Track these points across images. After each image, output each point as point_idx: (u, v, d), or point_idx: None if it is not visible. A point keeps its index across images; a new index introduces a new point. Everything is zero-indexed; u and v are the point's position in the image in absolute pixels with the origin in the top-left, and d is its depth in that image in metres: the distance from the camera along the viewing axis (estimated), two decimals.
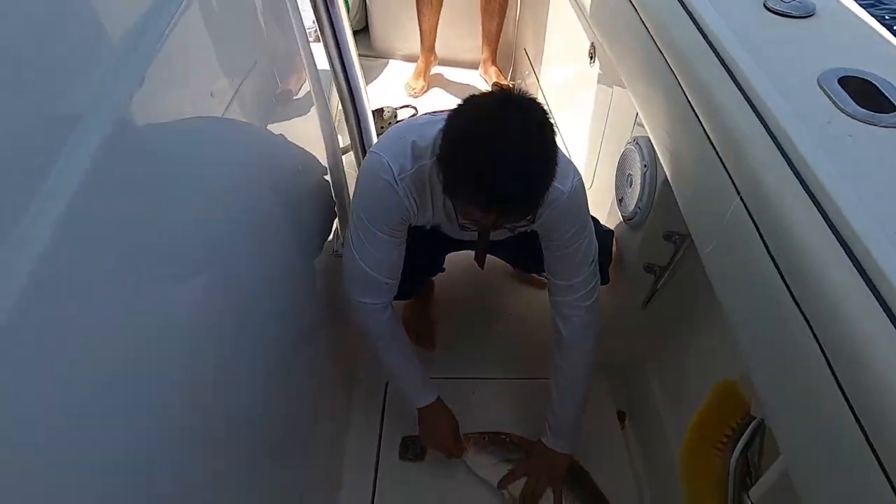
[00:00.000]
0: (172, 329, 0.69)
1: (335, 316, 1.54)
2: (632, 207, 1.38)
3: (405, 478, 1.51)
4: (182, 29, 0.76)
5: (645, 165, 1.32)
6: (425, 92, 2.80)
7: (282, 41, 1.32)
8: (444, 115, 1.15)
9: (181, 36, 0.76)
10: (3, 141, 0.45)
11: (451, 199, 1.05)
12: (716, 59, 0.98)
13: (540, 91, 2.47)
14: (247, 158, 1.02)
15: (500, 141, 0.93)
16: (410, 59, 2.91)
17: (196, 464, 0.73)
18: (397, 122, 2.54)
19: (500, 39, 2.75)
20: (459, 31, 2.79)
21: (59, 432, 0.48)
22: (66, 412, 0.49)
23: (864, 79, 0.92)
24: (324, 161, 1.52)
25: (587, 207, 1.26)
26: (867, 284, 0.65)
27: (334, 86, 1.48)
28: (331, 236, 1.58)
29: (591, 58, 1.78)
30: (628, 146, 1.41)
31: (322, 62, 1.43)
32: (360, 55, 1.46)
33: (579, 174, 1.22)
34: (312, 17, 1.36)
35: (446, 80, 2.88)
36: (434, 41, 2.74)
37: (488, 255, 1.56)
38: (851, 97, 0.88)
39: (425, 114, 1.31)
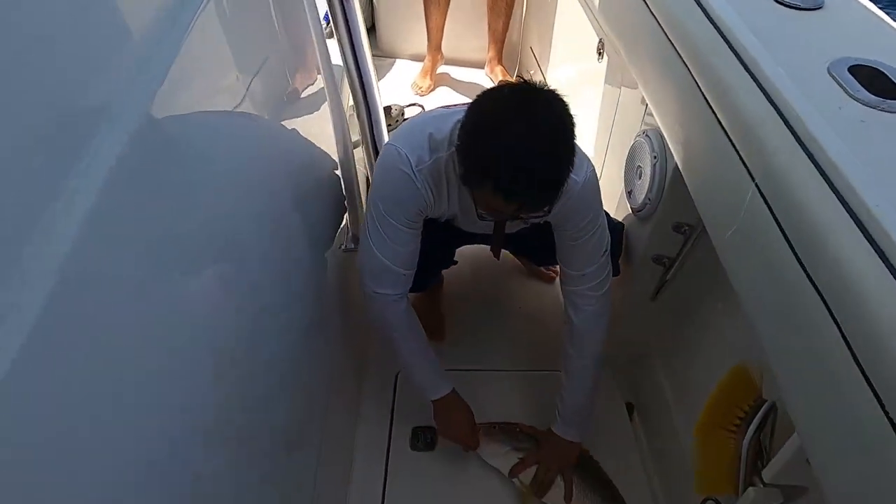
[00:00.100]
0: (190, 321, 0.70)
1: (345, 309, 1.56)
2: (641, 199, 1.40)
3: (416, 467, 1.53)
4: (202, 27, 0.77)
5: (655, 157, 1.34)
6: (432, 91, 2.82)
7: (297, 37, 1.34)
8: (460, 108, 1.17)
9: (202, 34, 0.77)
10: (30, 138, 0.47)
11: (473, 190, 1.05)
12: (728, 49, 1.00)
13: None
14: (262, 153, 1.04)
15: (525, 131, 0.94)
16: (417, 58, 2.94)
17: (212, 455, 0.75)
18: (404, 119, 2.56)
19: (506, 39, 2.77)
20: (466, 31, 2.81)
21: (86, 422, 0.49)
22: (92, 403, 0.50)
23: (873, 67, 0.94)
24: (334, 156, 1.53)
25: (600, 198, 1.28)
26: (885, 263, 0.66)
27: (346, 81, 1.50)
28: (340, 231, 1.60)
29: (599, 54, 1.80)
30: (638, 139, 1.43)
31: (334, 57, 1.45)
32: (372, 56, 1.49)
33: (592, 165, 1.24)
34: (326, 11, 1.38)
35: (452, 78, 2.91)
36: (441, 40, 2.76)
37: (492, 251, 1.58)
38: (862, 84, 0.90)
39: (439, 107, 1.33)
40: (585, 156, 1.23)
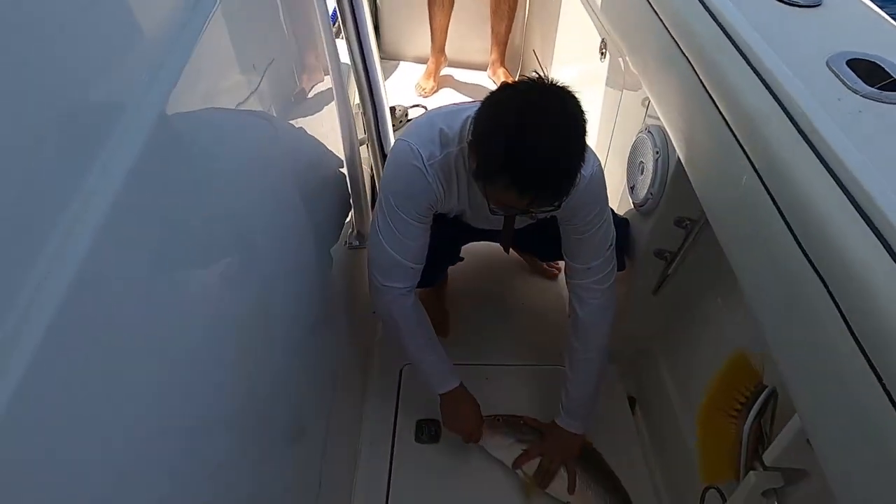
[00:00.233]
0: (200, 315, 0.71)
1: (351, 304, 1.58)
2: (643, 194, 1.42)
3: (421, 459, 1.55)
4: (214, 29, 0.79)
5: (657, 152, 1.36)
6: (435, 92, 2.85)
7: (306, 36, 1.37)
8: (469, 105, 1.20)
9: (214, 35, 0.79)
10: (49, 138, 0.48)
11: (487, 184, 1.07)
12: (731, 45, 1.02)
13: None
14: (271, 152, 1.06)
15: (541, 128, 0.96)
16: (420, 60, 2.97)
17: (223, 444, 0.76)
18: (408, 120, 2.59)
19: (509, 41, 2.80)
20: (469, 33, 2.84)
21: (105, 413, 0.50)
22: (107, 394, 0.51)
23: (871, 61, 0.96)
24: (340, 154, 1.56)
25: (606, 192, 1.30)
26: (886, 249, 0.68)
27: (353, 80, 1.52)
28: (345, 228, 1.62)
29: (601, 54, 1.83)
30: (640, 135, 1.46)
31: (341, 56, 1.48)
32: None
33: (598, 160, 1.26)
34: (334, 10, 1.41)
35: (455, 80, 2.94)
36: (444, 42, 2.79)
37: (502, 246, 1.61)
38: (860, 77, 0.92)
39: (449, 104, 1.35)
40: (592, 151, 1.25)
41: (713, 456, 1.09)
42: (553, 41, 2.43)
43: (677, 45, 1.15)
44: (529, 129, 0.97)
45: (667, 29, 1.20)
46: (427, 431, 1.58)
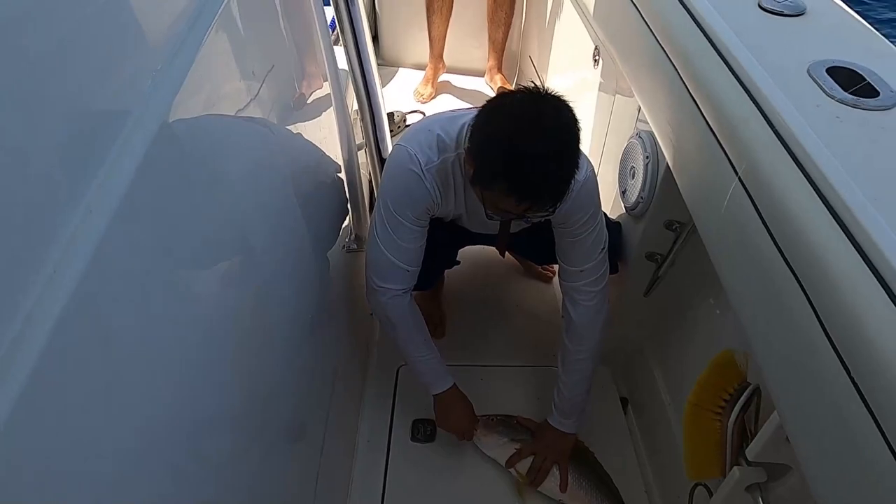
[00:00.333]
0: (201, 316, 0.73)
1: (349, 306, 1.61)
2: (634, 198, 1.45)
3: (416, 458, 1.57)
4: (217, 37, 0.82)
5: (647, 157, 1.39)
6: (433, 98, 2.88)
7: (305, 44, 1.40)
8: (466, 112, 1.23)
9: (216, 44, 0.82)
10: (57, 143, 0.50)
11: (484, 191, 1.10)
12: (714, 53, 1.06)
13: None
14: (271, 157, 1.08)
15: (537, 137, 1.00)
16: (418, 66, 3.01)
17: (224, 441, 0.79)
18: (406, 125, 2.63)
19: (506, 47, 2.84)
20: (466, 40, 2.89)
21: (109, 411, 0.52)
22: (115, 393, 0.53)
23: (850, 68, 0.99)
24: (338, 159, 1.59)
25: (598, 197, 1.33)
26: (858, 251, 0.71)
27: (351, 85, 1.55)
28: (343, 231, 1.65)
29: (594, 60, 1.87)
30: (631, 140, 1.49)
31: (339, 63, 1.51)
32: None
33: (591, 165, 1.30)
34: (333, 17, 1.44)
35: (453, 86, 2.98)
36: (442, 49, 2.83)
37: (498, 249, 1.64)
38: (839, 84, 0.96)
39: (446, 111, 1.38)
40: (585, 156, 1.28)
41: (699, 453, 1.11)
42: (549, 48, 2.47)
43: (665, 52, 1.19)
44: (526, 137, 1.00)
45: (655, 37, 1.23)
46: (423, 431, 1.61)
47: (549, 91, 1.05)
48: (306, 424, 1.24)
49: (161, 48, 0.70)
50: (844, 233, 0.73)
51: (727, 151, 0.96)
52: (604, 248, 1.38)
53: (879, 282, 0.68)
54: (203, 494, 0.73)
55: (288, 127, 1.23)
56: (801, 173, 0.82)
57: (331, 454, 1.43)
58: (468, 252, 1.73)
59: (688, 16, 1.16)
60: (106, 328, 0.53)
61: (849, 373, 0.68)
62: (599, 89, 1.82)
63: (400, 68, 3.10)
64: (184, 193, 0.71)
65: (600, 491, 1.48)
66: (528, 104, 1.03)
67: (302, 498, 1.17)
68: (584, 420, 1.51)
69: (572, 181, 1.06)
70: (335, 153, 1.55)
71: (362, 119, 1.59)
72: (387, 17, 2.97)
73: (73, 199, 0.51)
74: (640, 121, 1.50)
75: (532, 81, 1.11)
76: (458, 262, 1.77)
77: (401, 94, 2.91)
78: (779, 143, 0.86)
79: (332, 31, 1.53)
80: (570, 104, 1.05)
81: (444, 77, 2.97)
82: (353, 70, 1.50)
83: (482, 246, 1.67)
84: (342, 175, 1.61)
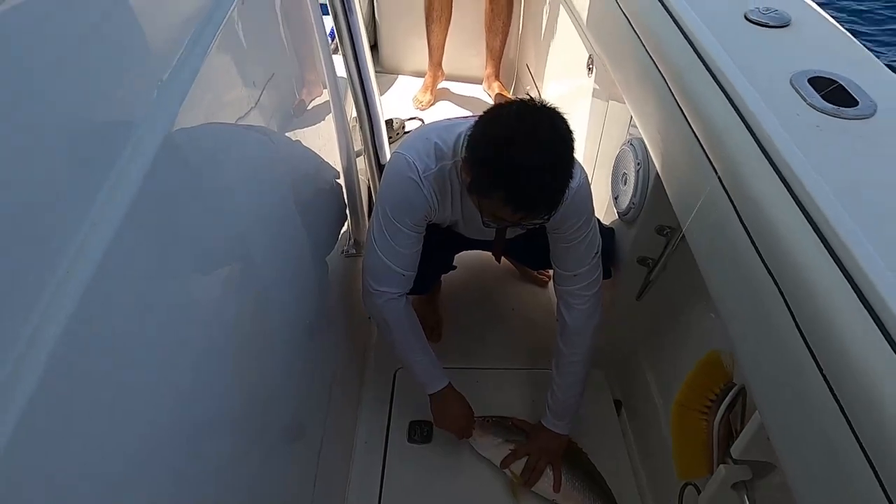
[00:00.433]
0: (204, 320, 0.75)
1: (348, 310, 1.64)
2: (626, 204, 1.48)
3: (413, 458, 1.60)
4: (221, 46, 0.84)
5: (638, 164, 1.43)
6: (432, 105, 2.92)
7: (305, 53, 1.43)
8: (462, 120, 1.27)
9: (220, 52, 0.84)
10: (67, 151, 0.52)
11: (481, 199, 1.13)
12: (700, 63, 1.09)
13: None
14: (272, 164, 1.11)
15: (533, 148, 1.03)
16: (418, 74, 3.05)
17: (224, 443, 0.81)
18: (405, 132, 2.66)
19: (503, 56, 2.88)
20: (465, 48, 2.92)
21: (113, 414, 0.54)
22: (120, 396, 0.55)
23: (831, 79, 1.02)
24: (338, 165, 1.62)
25: (592, 203, 1.36)
26: (830, 254, 0.74)
27: (350, 93, 1.59)
28: (342, 237, 1.68)
29: (588, 69, 1.90)
30: (623, 147, 1.52)
31: (338, 71, 1.55)
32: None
33: (585, 172, 1.33)
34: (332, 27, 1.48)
35: (452, 93, 3.02)
36: (441, 57, 2.87)
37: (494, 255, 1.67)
38: (819, 94, 0.98)
39: (443, 119, 1.41)
40: (579, 163, 1.31)
41: (687, 452, 1.14)
42: (545, 56, 2.51)
43: (653, 62, 1.22)
44: (522, 148, 1.03)
45: (644, 47, 1.27)
46: (419, 432, 1.64)
47: (543, 103, 1.08)
48: (305, 426, 1.26)
49: (166, 59, 0.72)
50: (818, 236, 0.76)
51: (710, 158, 1.00)
52: (597, 253, 1.41)
53: (851, 285, 0.71)
54: (203, 496, 0.74)
55: (288, 134, 1.25)
56: (778, 179, 0.85)
57: (329, 456, 1.45)
58: (465, 257, 1.76)
59: (675, 27, 1.19)
60: (111, 332, 0.55)
61: (821, 370, 0.71)
62: (593, 97, 1.86)
63: (399, 76, 3.14)
64: (187, 201, 0.73)
65: (593, 491, 1.51)
66: (524, 116, 1.07)
67: (300, 498, 1.20)
68: (574, 421, 1.53)
69: (567, 190, 1.09)
70: (334, 160, 1.58)
71: (361, 126, 1.62)
72: (386, 25, 3.01)
73: (81, 207, 0.53)
74: (632, 128, 1.53)
75: (527, 93, 1.15)
76: (455, 267, 1.80)
77: (400, 101, 2.95)
78: (758, 150, 0.90)
79: (332, 41, 1.56)
80: (565, 115, 1.09)
81: (442, 84, 3.01)
82: (351, 78, 1.53)
83: (479, 251, 1.70)
84: (341, 181, 1.65)
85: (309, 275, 1.33)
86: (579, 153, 1.93)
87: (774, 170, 0.86)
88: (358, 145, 1.68)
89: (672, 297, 1.52)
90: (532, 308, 2.01)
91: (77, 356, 0.49)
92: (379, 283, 1.37)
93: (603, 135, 1.78)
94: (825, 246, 0.75)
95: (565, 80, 2.29)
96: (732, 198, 0.93)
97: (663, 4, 1.24)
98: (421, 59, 2.95)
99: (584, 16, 1.75)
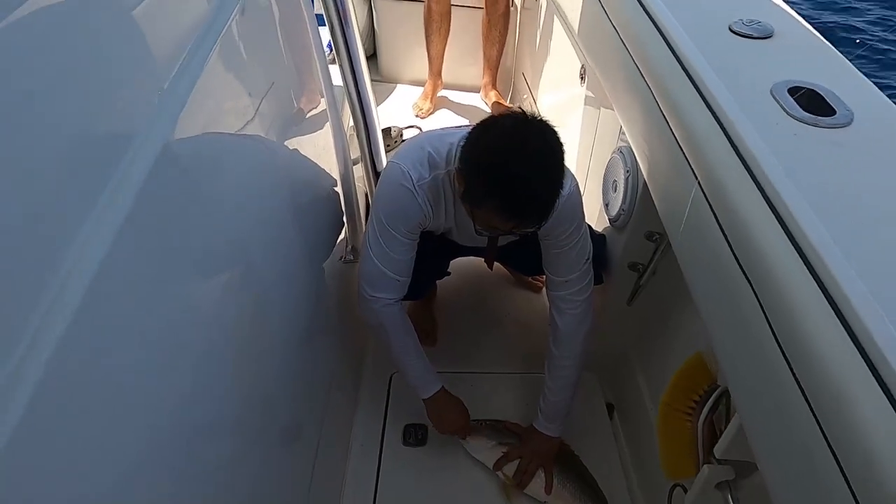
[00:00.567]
0: (200, 325, 0.77)
1: (344, 315, 1.66)
2: (616, 210, 1.51)
3: (407, 461, 1.62)
4: (220, 56, 0.87)
5: (627, 171, 1.46)
6: (432, 113, 2.96)
7: (302, 63, 1.46)
8: (455, 130, 1.30)
9: (220, 62, 0.87)
10: (68, 157, 0.53)
11: (474, 208, 1.16)
12: (684, 74, 1.12)
13: (538, 112, 2.63)
14: (270, 172, 1.13)
15: (525, 159, 1.07)
16: (416, 83, 3.10)
17: (220, 447, 0.82)
18: (403, 140, 2.70)
19: (500, 65, 2.92)
20: (463, 58, 2.97)
21: (114, 414, 0.55)
22: (119, 397, 0.56)
23: (810, 88, 1.05)
24: (335, 173, 1.65)
25: (582, 210, 1.40)
26: (800, 256, 0.77)
27: (347, 102, 1.62)
28: (339, 243, 1.71)
29: (581, 78, 1.94)
30: (613, 155, 1.55)
31: (335, 80, 1.58)
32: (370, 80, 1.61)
33: (575, 179, 1.36)
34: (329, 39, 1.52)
35: (450, 101, 3.06)
36: (441, 67, 2.91)
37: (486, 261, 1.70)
38: (798, 103, 1.01)
39: (436, 129, 1.44)
40: (569, 171, 1.34)
41: (674, 452, 1.17)
42: (540, 65, 2.55)
43: (640, 72, 1.26)
44: (514, 158, 1.07)
45: (632, 57, 1.30)
46: (414, 435, 1.66)
47: (534, 115, 1.12)
48: (301, 429, 1.28)
49: (167, 68, 0.75)
50: (790, 240, 0.79)
51: (692, 165, 1.03)
52: (588, 259, 1.44)
53: (821, 289, 0.73)
54: (199, 497, 0.76)
55: (286, 143, 1.28)
56: (754, 185, 0.88)
57: (324, 458, 1.47)
58: (460, 263, 1.79)
59: (661, 38, 1.23)
60: (111, 336, 0.56)
61: (793, 372, 0.74)
62: (585, 105, 1.89)
63: (398, 85, 3.18)
64: (187, 207, 0.75)
65: (584, 492, 1.53)
66: (516, 128, 1.10)
67: (295, 500, 1.22)
68: (568, 424, 1.55)
69: (557, 200, 1.12)
70: (332, 168, 1.61)
71: (358, 134, 1.65)
72: (385, 35, 3.06)
73: (81, 213, 0.54)
74: (622, 136, 1.56)
75: (519, 106, 1.18)
76: (449, 273, 1.83)
77: (398, 109, 2.99)
78: (736, 157, 0.93)
79: (329, 52, 1.60)
80: (559, 124, 1.12)
81: (440, 93, 3.04)
82: (348, 87, 1.57)
83: (473, 257, 1.73)
84: (338, 189, 1.67)
85: (307, 280, 1.35)
86: (572, 161, 1.97)
87: (751, 176, 0.89)
88: (355, 153, 1.71)
89: (662, 302, 1.54)
90: (526, 313, 2.03)
91: (76, 359, 0.50)
92: (375, 290, 1.40)
93: (595, 143, 1.81)
94: (797, 249, 0.78)
95: (559, 90, 2.32)
96: (712, 204, 0.96)
97: (650, 16, 1.28)
98: (419, 67, 3.00)
99: (576, 26, 1.79)
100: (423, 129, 2.75)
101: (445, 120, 2.95)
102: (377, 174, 1.67)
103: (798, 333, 0.74)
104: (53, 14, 0.55)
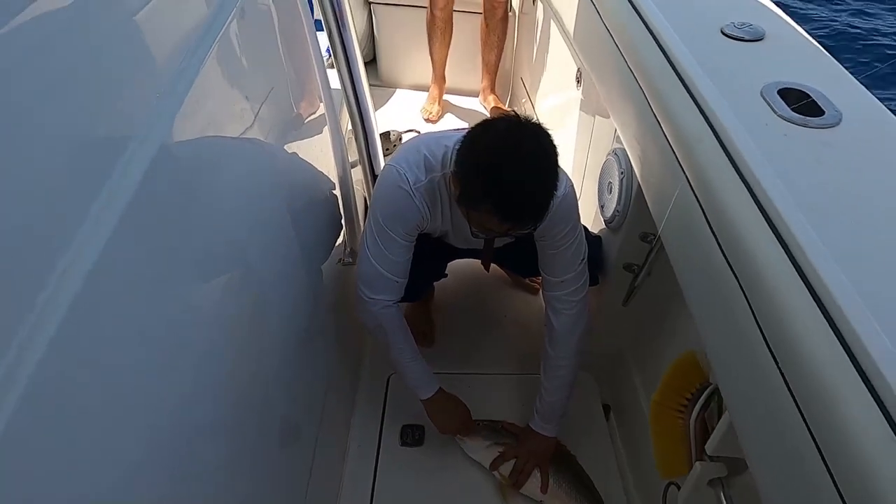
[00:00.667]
0: (199, 325, 0.78)
1: (343, 317, 1.68)
2: (611, 212, 1.53)
3: (405, 461, 1.64)
4: (219, 59, 0.88)
5: (622, 173, 1.47)
6: (441, 116, 2.98)
7: (301, 67, 1.48)
8: (449, 134, 1.31)
9: (218, 66, 0.88)
10: (66, 157, 0.54)
11: (470, 210, 1.18)
12: (676, 77, 1.13)
13: (535, 115, 2.65)
14: (267, 174, 1.15)
15: (519, 162, 1.08)
16: (415, 87, 3.13)
17: (218, 448, 0.83)
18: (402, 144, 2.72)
19: (499, 69, 2.94)
20: (462, 62, 2.99)
21: (110, 413, 0.55)
22: (115, 396, 0.56)
23: (800, 89, 1.07)
24: (333, 176, 1.66)
25: (577, 211, 1.41)
26: (786, 254, 0.78)
27: (345, 106, 1.64)
28: (338, 246, 1.72)
29: (577, 82, 1.95)
30: (608, 157, 1.57)
31: (334, 84, 1.59)
32: (368, 84, 1.62)
33: (571, 181, 1.37)
34: (328, 44, 1.53)
35: (450, 105, 3.09)
36: (444, 70, 2.94)
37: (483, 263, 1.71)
38: (788, 104, 1.03)
39: (431, 132, 1.46)
40: (564, 173, 1.35)
41: (668, 451, 1.18)
42: (538, 69, 2.57)
43: (633, 74, 1.27)
44: (509, 161, 1.09)
45: (626, 60, 1.32)
46: (411, 435, 1.67)
47: (528, 119, 1.14)
48: (299, 430, 1.29)
49: (166, 70, 0.76)
50: (777, 237, 0.80)
51: (682, 166, 1.04)
52: (583, 260, 1.45)
53: (805, 283, 0.75)
54: (197, 498, 0.77)
55: (284, 146, 1.29)
56: (742, 184, 0.89)
57: (322, 458, 1.48)
58: (457, 265, 1.80)
59: (654, 41, 1.24)
60: (108, 338, 0.56)
61: (780, 369, 0.75)
62: (582, 108, 1.91)
63: (398, 89, 3.20)
64: (185, 209, 0.76)
65: (580, 492, 1.54)
66: (510, 131, 1.12)
67: (293, 500, 1.23)
68: (565, 424, 1.56)
69: (552, 202, 1.14)
70: (330, 171, 1.62)
71: (356, 137, 1.67)
72: (384, 40, 3.08)
73: (77, 215, 0.54)
74: (617, 138, 1.58)
75: (513, 110, 1.19)
76: (446, 276, 1.84)
77: (398, 113, 3.01)
78: (725, 157, 0.94)
79: (328, 57, 1.62)
80: (557, 127, 1.14)
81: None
82: (346, 91, 1.58)
83: (471, 260, 1.74)
84: (337, 192, 1.69)
85: (305, 282, 1.36)
86: (569, 163, 1.99)
87: (740, 176, 0.90)
88: (353, 156, 1.73)
89: (657, 302, 1.55)
90: (524, 314, 2.05)
91: (72, 360, 0.50)
92: (373, 292, 1.41)
93: (591, 145, 1.82)
94: (785, 249, 0.79)
95: (556, 93, 2.34)
96: (702, 203, 0.97)
97: (643, 20, 1.29)
98: (419, 72, 3.03)
99: (572, 30, 1.80)
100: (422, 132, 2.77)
101: (445, 124, 2.97)
102: (375, 177, 1.69)
103: (785, 332, 0.75)
104: (51, 16, 0.56)
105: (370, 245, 1.37)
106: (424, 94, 3.06)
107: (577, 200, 1.40)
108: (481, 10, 2.74)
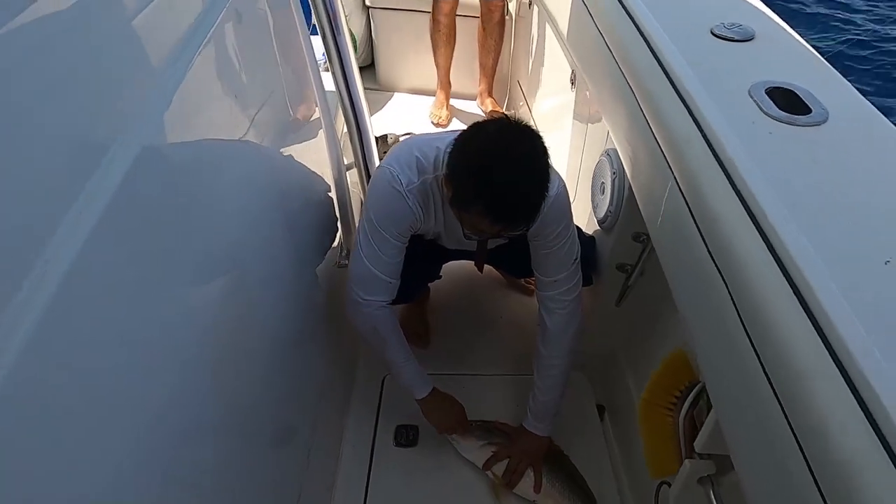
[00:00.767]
0: (191, 327, 0.78)
1: (338, 318, 1.68)
2: (604, 212, 1.53)
3: (399, 461, 1.64)
4: (215, 61, 0.89)
5: (614, 173, 1.48)
6: (451, 120, 2.99)
7: (296, 70, 1.49)
8: (441, 136, 1.32)
9: (213, 67, 0.89)
10: (53, 154, 0.54)
11: (462, 212, 1.19)
12: (665, 77, 1.14)
13: (532, 118, 2.67)
14: (261, 176, 1.15)
15: (511, 164, 1.09)
16: (413, 91, 3.15)
17: (211, 450, 0.84)
18: None
19: (496, 73, 2.96)
20: (460, 66, 3.00)
21: (92, 416, 0.55)
22: (97, 399, 0.56)
23: (787, 88, 1.07)
24: (329, 178, 1.67)
25: (570, 211, 1.41)
26: (773, 255, 0.78)
27: (340, 109, 1.65)
28: (333, 247, 1.73)
29: (571, 83, 1.96)
30: (601, 158, 1.57)
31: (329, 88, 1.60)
32: (366, 89, 1.63)
33: (563, 181, 1.38)
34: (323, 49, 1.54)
35: (452, 108, 3.09)
36: (449, 75, 2.95)
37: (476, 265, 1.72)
38: (775, 103, 1.03)
39: (423, 134, 1.47)
40: (557, 173, 1.36)
41: (658, 450, 1.18)
42: (534, 73, 2.59)
43: (624, 75, 1.28)
44: (500, 163, 1.09)
45: (616, 61, 1.33)
46: (405, 436, 1.67)
47: (519, 120, 1.15)
48: (294, 431, 1.29)
49: (157, 73, 0.76)
50: (760, 234, 0.81)
51: (670, 165, 1.05)
52: (576, 260, 1.46)
53: (789, 281, 0.75)
54: (191, 499, 0.77)
55: (279, 149, 1.30)
56: (728, 182, 0.90)
57: (316, 459, 1.48)
58: (452, 266, 1.81)
59: (643, 41, 1.25)
60: (102, 340, 0.57)
61: (763, 367, 0.75)
62: (575, 110, 1.92)
63: (396, 93, 3.22)
64: (178, 211, 0.77)
65: (573, 492, 1.54)
66: (502, 133, 1.13)
67: (287, 500, 1.23)
68: (558, 424, 1.56)
69: (543, 203, 1.14)
70: (325, 173, 1.63)
71: (351, 141, 1.68)
72: (383, 44, 3.10)
73: (60, 213, 0.54)
74: (609, 139, 1.59)
75: (503, 113, 1.20)
76: (440, 277, 1.85)
77: (397, 117, 3.03)
78: (712, 156, 0.95)
79: (323, 61, 1.63)
80: (540, 132, 1.15)
81: None
82: (340, 94, 1.59)
83: (465, 261, 1.75)
84: (332, 194, 1.70)
85: (300, 284, 1.37)
86: (563, 165, 1.99)
87: (726, 174, 0.91)
88: (348, 159, 1.74)
89: (650, 302, 1.56)
90: (518, 315, 2.05)
91: (52, 360, 0.50)
92: (367, 293, 1.41)
93: (585, 146, 1.83)
94: (769, 247, 0.79)
95: (552, 95, 2.35)
96: (688, 202, 0.97)
97: (634, 21, 1.30)
98: (417, 76, 3.05)
99: (566, 32, 1.82)
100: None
101: (451, 129, 2.97)
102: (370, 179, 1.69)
103: (769, 330, 0.75)
104: (45, 18, 0.57)
105: (363, 246, 1.37)
106: (423, 98, 3.07)
107: (569, 200, 1.41)
108: (478, 15, 2.76)
